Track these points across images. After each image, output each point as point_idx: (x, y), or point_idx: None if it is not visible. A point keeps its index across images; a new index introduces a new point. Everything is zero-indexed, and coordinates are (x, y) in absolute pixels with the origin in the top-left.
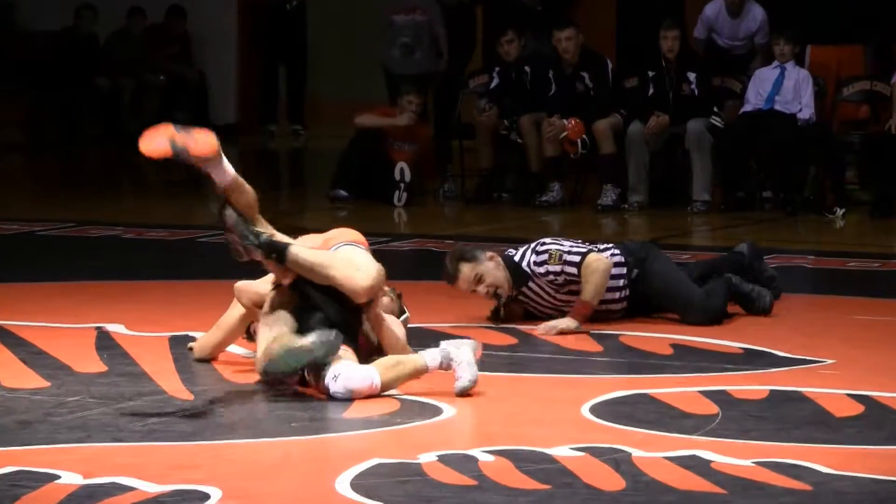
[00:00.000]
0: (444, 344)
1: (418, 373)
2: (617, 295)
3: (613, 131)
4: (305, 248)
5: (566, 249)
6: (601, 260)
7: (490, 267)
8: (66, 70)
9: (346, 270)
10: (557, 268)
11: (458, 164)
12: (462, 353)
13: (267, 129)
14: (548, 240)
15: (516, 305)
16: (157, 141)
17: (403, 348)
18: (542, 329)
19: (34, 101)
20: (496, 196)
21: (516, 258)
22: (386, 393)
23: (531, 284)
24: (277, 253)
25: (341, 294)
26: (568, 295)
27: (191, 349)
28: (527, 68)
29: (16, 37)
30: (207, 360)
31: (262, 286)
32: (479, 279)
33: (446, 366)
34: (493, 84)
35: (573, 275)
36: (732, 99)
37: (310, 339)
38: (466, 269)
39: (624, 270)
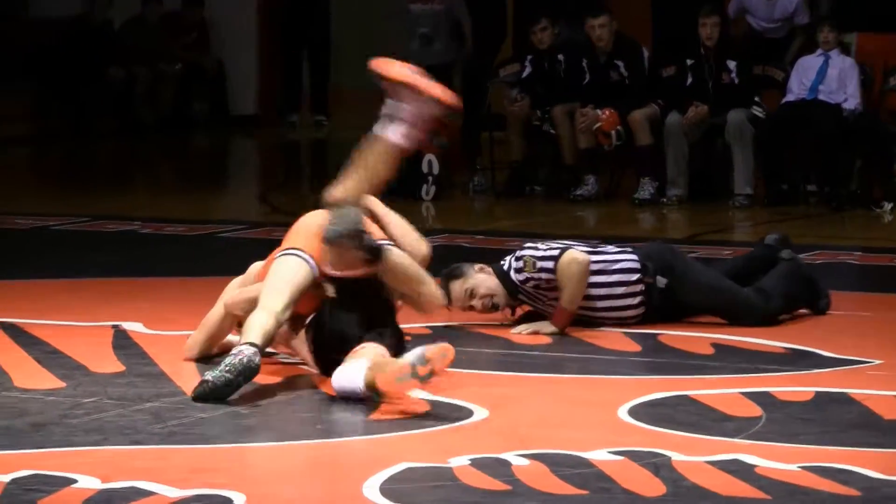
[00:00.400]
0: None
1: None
2: (629, 301)
3: (650, 122)
4: (402, 255)
5: (539, 255)
6: (575, 261)
7: (480, 278)
8: (77, 59)
9: (434, 289)
10: (535, 275)
11: (487, 156)
12: (411, 355)
13: (288, 120)
14: (528, 244)
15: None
16: (399, 67)
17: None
18: (516, 330)
19: (44, 92)
20: (528, 190)
21: (504, 268)
22: (416, 395)
23: (521, 295)
24: (376, 255)
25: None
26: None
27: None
28: (560, 56)
29: (26, 24)
30: (195, 360)
31: (250, 293)
32: (471, 293)
33: None
34: (525, 73)
35: (553, 280)
36: (773, 88)
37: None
38: (457, 287)
39: (634, 277)
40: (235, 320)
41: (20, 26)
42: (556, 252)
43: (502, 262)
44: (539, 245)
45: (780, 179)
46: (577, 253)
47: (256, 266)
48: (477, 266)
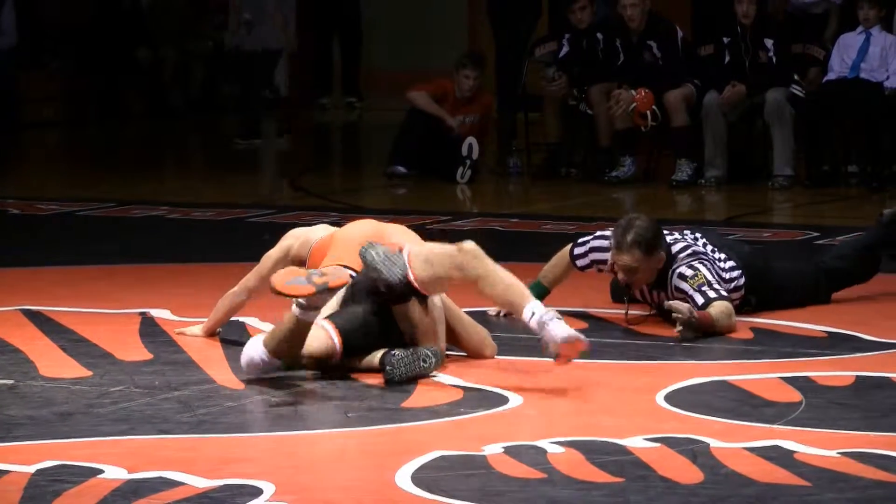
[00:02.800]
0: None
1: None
2: None
3: (686, 102)
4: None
5: (714, 286)
6: (731, 318)
7: (652, 266)
8: (106, 41)
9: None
10: (689, 291)
11: (523, 137)
12: (556, 328)
13: (320, 102)
14: (707, 258)
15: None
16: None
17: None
18: (675, 305)
19: (72, 74)
20: (564, 171)
21: (673, 265)
22: (449, 381)
23: (659, 290)
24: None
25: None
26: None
27: (181, 334)
28: (599, 35)
29: (52, 5)
30: (242, 304)
31: (311, 234)
32: (635, 271)
33: (539, 326)
34: (563, 52)
35: (693, 301)
36: (813, 66)
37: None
38: (637, 257)
39: (736, 296)
40: (279, 265)
41: (48, 6)
42: (723, 292)
43: (671, 242)
44: (717, 258)
45: (821, 160)
46: (732, 310)
47: (313, 236)
48: (661, 253)
